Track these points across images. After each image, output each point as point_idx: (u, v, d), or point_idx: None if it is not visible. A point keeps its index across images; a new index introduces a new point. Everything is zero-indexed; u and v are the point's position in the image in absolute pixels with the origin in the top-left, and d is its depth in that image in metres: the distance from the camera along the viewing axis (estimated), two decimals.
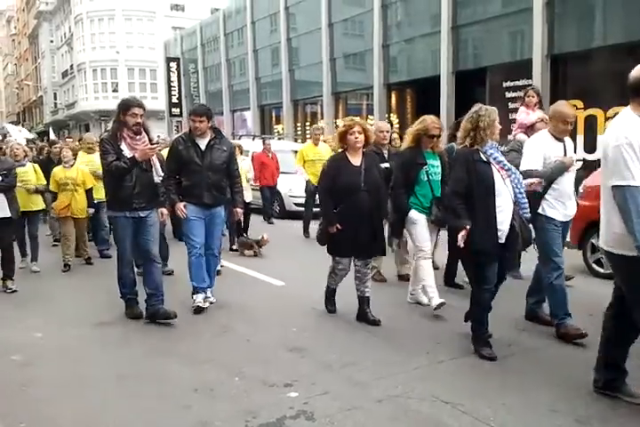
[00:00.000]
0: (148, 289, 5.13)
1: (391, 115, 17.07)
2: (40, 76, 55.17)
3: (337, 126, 18.97)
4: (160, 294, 5.14)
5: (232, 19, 25.82)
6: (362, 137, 4.97)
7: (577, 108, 11.56)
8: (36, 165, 7.91)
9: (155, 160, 5.13)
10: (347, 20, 18.80)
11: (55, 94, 51.49)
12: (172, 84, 29.55)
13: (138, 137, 4.99)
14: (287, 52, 21.68)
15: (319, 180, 5.35)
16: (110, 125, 5.30)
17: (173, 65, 29.65)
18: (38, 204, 7.69)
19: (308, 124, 20.72)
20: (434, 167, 5.38)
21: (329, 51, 19.08)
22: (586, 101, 11.49)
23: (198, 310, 5.32)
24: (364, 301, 5.06)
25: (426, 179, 5.31)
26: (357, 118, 5.37)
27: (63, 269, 7.42)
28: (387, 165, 5.95)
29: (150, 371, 4.07)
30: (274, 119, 24.35)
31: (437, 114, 14.28)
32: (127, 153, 4.92)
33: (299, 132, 21.84)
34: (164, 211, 6.61)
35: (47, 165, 8.88)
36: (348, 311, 5.18)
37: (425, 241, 5.30)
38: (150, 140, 5.14)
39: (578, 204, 5.12)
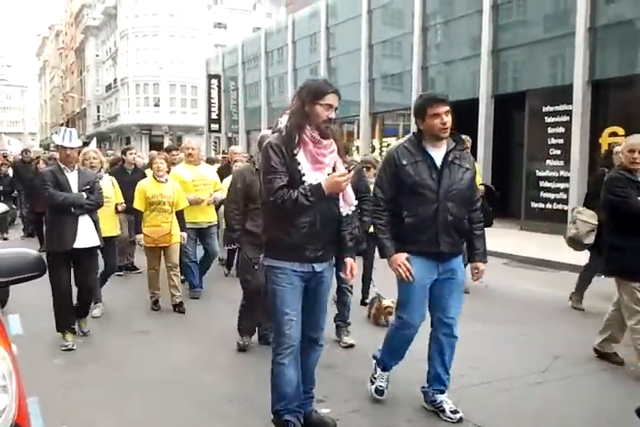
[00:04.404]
0: (304, 386, 3.36)
1: None
2: (84, 89, 56.75)
3: (372, 146, 19.14)
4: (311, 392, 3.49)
5: (273, 37, 26.27)
6: None
7: (618, 135, 11.47)
8: (114, 179, 6.36)
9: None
10: (386, 41, 18.99)
11: (98, 107, 52.90)
12: (212, 100, 30.09)
13: (325, 142, 3.14)
14: (326, 72, 21.94)
15: None
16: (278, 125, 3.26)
17: (214, 82, 30.22)
18: (115, 228, 6.17)
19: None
20: None
21: (368, 71, 19.26)
22: (627, 128, 11.37)
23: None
24: None
25: None
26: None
27: (153, 308, 6.13)
28: None
29: (187, 380, 4.17)
30: None
31: (475, 137, 14.28)
32: (306, 168, 3.07)
33: None
34: (184, 234, 6.21)
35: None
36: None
37: None
38: (338, 149, 3.23)
39: None
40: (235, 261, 7.21)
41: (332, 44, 21.82)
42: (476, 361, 4.59)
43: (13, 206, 12.85)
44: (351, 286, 5.10)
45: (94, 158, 5.83)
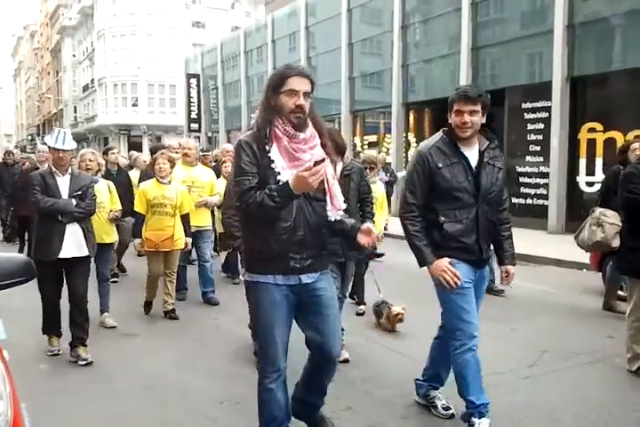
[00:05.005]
0: (314, 400, 3.13)
1: (409, 134, 17.17)
2: (61, 90, 56.13)
3: (354, 144, 19.16)
4: None
5: (252, 36, 26.20)
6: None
7: (596, 131, 11.61)
8: (111, 183, 5.90)
9: (329, 178, 2.81)
10: (366, 39, 19.02)
11: (75, 108, 52.34)
12: (191, 99, 29.97)
13: (301, 135, 2.76)
14: None
15: None
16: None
17: (193, 81, 30.07)
18: (111, 235, 5.80)
19: None
20: None
21: (348, 69, 19.29)
22: (605, 124, 11.53)
23: None
24: None
25: None
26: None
27: (146, 310, 6.01)
28: None
29: (177, 383, 4.14)
30: None
31: None
32: (280, 166, 2.72)
33: None
34: (189, 240, 5.96)
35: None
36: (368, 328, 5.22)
37: None
38: (323, 144, 2.86)
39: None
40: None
41: (311, 42, 21.81)
42: None
43: None
44: (339, 289, 4.73)
45: (90, 160, 5.44)
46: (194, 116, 30.27)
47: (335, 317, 2.95)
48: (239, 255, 6.25)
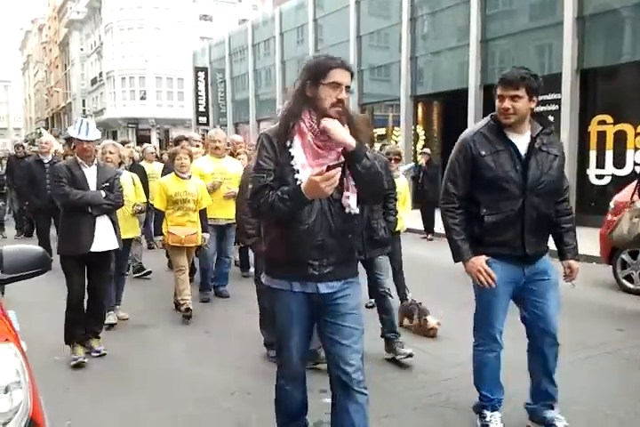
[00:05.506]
0: None
1: (417, 127, 17.13)
2: (69, 83, 56.26)
3: None
4: None
5: (260, 29, 26.14)
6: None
7: (606, 124, 11.55)
8: (135, 176, 5.89)
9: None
10: (374, 32, 18.95)
11: (84, 101, 52.48)
12: (199, 93, 29.98)
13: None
14: None
15: None
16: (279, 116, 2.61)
17: (201, 74, 30.07)
18: (135, 229, 5.79)
19: None
20: None
21: (356, 62, 19.22)
22: (616, 116, 11.47)
23: None
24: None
25: None
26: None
27: (185, 315, 5.51)
28: None
29: (188, 374, 4.19)
30: None
31: (464, 127, 14.23)
32: (300, 164, 2.47)
33: None
34: (206, 235, 5.77)
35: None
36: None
37: None
38: (356, 131, 2.56)
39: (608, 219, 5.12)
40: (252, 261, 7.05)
41: (319, 35, 21.74)
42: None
43: (2, 203, 12.61)
44: (389, 289, 4.53)
45: (111, 153, 5.29)
46: (202, 109, 30.28)
47: (358, 332, 2.60)
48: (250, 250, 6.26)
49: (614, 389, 3.87)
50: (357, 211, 2.56)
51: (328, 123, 2.42)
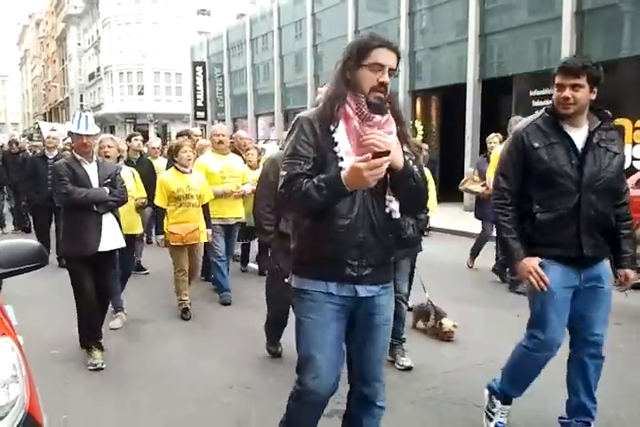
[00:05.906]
0: None
1: (416, 122, 17.11)
2: (67, 78, 56.12)
3: None
4: None
5: (258, 24, 26.07)
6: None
7: None
8: (134, 170, 5.66)
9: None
10: (372, 26, 18.88)
11: (82, 96, 52.36)
12: (197, 87, 29.93)
13: (378, 118, 2.26)
14: (312, 58, 21.84)
15: None
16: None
17: (199, 69, 30.00)
18: (139, 225, 5.62)
19: None
20: None
21: None
22: (614, 111, 11.42)
23: None
24: None
25: None
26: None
27: (184, 317, 5.43)
28: None
29: (187, 369, 4.19)
30: None
31: (463, 121, 14.31)
32: (344, 151, 2.23)
33: None
34: (210, 231, 5.60)
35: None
36: None
37: None
38: (402, 134, 2.35)
39: None
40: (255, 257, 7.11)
41: (317, 30, 21.70)
42: (469, 343, 4.64)
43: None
44: (405, 296, 4.36)
45: (109, 147, 4.96)
46: (200, 104, 30.24)
47: (385, 344, 2.48)
48: (259, 249, 6.37)
49: (604, 380, 3.87)
50: (399, 216, 2.34)
51: (378, 137, 2.12)
